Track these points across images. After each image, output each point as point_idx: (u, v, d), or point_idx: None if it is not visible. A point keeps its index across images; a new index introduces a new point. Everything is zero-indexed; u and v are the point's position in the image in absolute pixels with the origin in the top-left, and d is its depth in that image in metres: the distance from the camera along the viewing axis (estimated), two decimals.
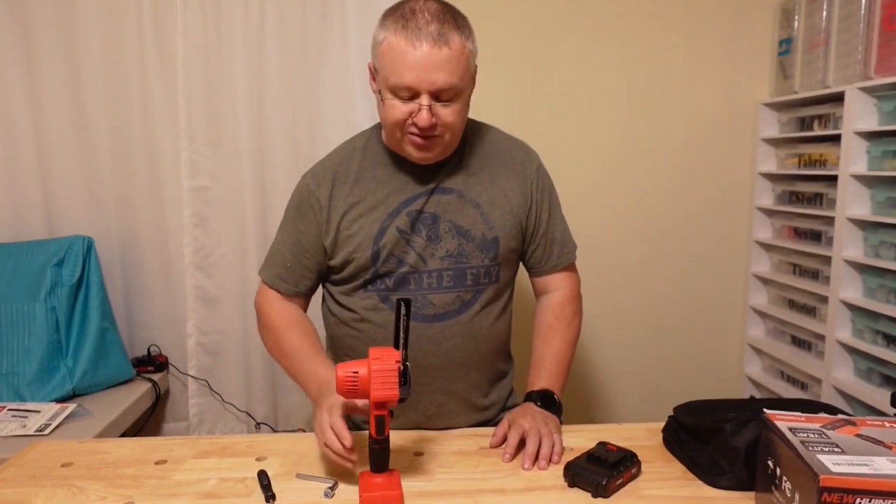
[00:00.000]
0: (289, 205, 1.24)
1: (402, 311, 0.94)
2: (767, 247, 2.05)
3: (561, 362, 1.21)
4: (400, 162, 1.18)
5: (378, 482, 0.94)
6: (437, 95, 1.05)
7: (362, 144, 1.23)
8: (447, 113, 1.07)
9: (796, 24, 1.86)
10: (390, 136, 1.13)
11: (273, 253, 1.25)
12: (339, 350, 1.27)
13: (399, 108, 1.06)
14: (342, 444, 0.93)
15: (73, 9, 1.83)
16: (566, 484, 0.96)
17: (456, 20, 1.07)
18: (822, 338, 1.76)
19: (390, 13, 1.07)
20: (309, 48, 1.88)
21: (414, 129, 1.07)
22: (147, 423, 1.96)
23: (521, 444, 1.05)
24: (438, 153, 1.13)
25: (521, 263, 1.30)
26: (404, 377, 0.92)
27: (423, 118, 1.05)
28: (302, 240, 1.20)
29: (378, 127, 1.23)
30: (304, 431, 1.99)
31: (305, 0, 1.86)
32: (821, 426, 0.84)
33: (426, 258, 1.16)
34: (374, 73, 1.12)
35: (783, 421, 0.86)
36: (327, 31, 1.88)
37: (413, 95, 1.05)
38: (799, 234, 1.91)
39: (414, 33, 1.02)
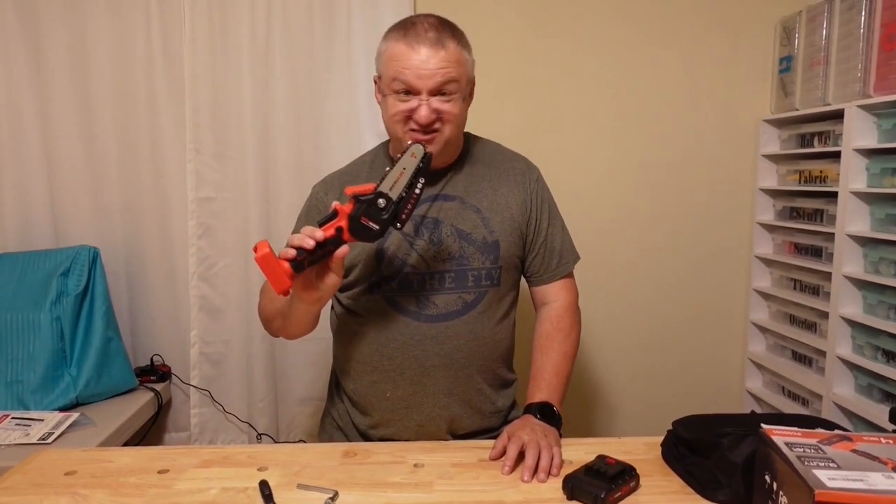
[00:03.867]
0: (299, 214, 1.31)
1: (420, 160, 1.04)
2: (768, 262, 2.06)
3: (560, 374, 1.22)
4: None
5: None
6: (434, 92, 1.12)
7: (370, 158, 1.30)
8: (445, 107, 1.13)
9: (797, 42, 1.88)
10: (393, 135, 1.19)
11: None
12: (347, 353, 1.28)
13: (399, 106, 1.13)
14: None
15: (82, 21, 1.87)
16: (565, 497, 0.97)
17: (453, 32, 1.15)
18: (822, 353, 1.76)
19: (392, 28, 1.16)
20: (315, 62, 1.91)
21: (415, 126, 1.13)
22: (149, 432, 1.97)
23: (521, 456, 1.06)
24: (439, 150, 1.16)
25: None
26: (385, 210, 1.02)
27: (423, 114, 1.11)
28: None
29: (386, 143, 1.28)
30: (305, 442, 2.00)
31: (312, 14, 1.89)
32: (817, 441, 0.85)
33: (428, 260, 1.20)
34: (378, 82, 1.19)
35: (780, 436, 0.86)
36: (333, 46, 1.91)
37: (413, 94, 1.12)
38: (799, 249, 1.92)
39: (413, 38, 1.11)
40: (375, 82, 1.20)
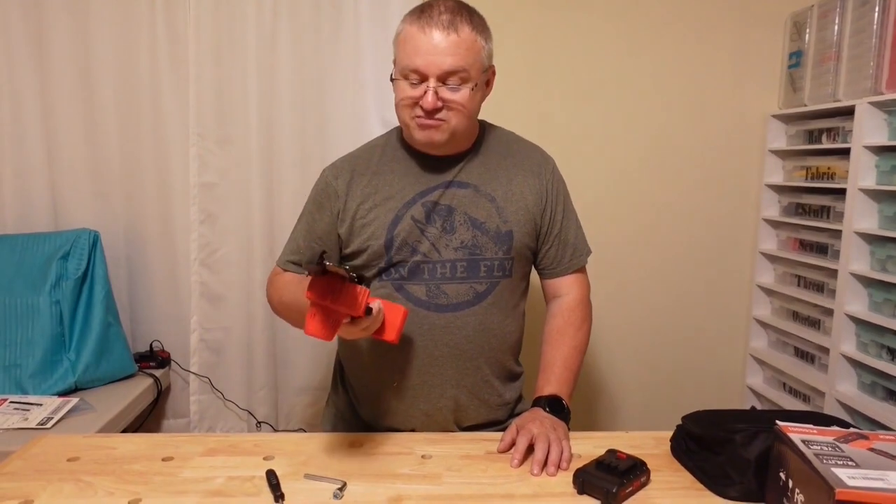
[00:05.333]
0: (308, 198, 1.28)
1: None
2: (772, 258, 2.06)
3: (570, 367, 1.21)
4: (418, 156, 1.21)
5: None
6: (443, 79, 1.09)
7: (382, 142, 1.27)
8: (453, 97, 1.11)
9: (807, 37, 1.87)
10: (400, 120, 1.17)
11: (288, 242, 1.29)
12: (354, 341, 1.25)
13: (407, 91, 1.11)
14: None
15: (86, 3, 1.83)
16: (575, 491, 0.96)
17: (471, 17, 1.12)
18: (825, 350, 1.76)
19: (412, 10, 1.13)
20: (321, 47, 1.88)
21: (419, 112, 1.11)
22: (147, 419, 1.96)
23: (530, 449, 1.05)
24: (443, 139, 1.14)
25: (533, 268, 1.30)
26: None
27: (428, 100, 1.09)
28: (315, 227, 1.24)
29: (399, 128, 1.25)
30: (305, 431, 1.99)
31: (319, 0, 1.86)
32: (834, 439, 0.84)
33: (440, 248, 1.18)
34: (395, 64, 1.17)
35: (796, 433, 0.86)
36: (340, 31, 1.88)
37: (422, 79, 1.09)
38: (804, 246, 1.91)
39: (426, 21, 1.08)
40: (395, 63, 1.18)
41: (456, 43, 1.08)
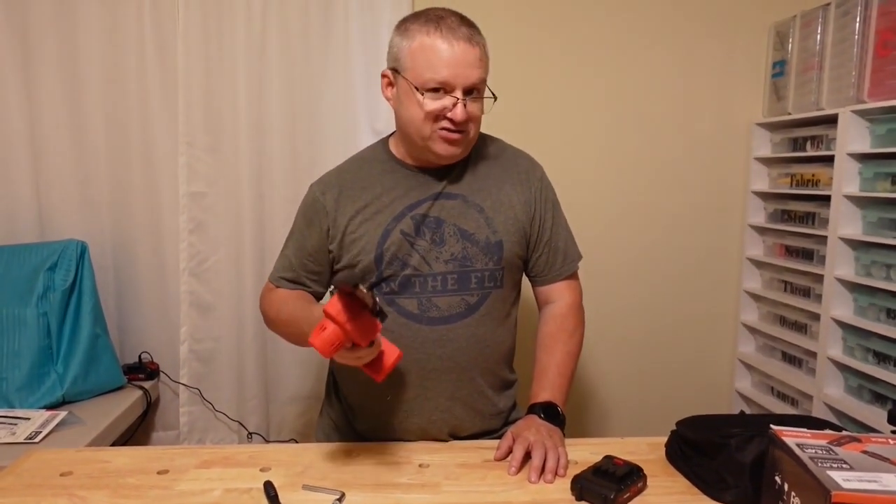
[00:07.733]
0: (297, 214, 1.27)
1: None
2: (759, 264, 2.08)
3: (564, 374, 1.22)
4: (406, 169, 1.21)
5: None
6: (468, 91, 1.10)
7: (370, 155, 1.27)
8: (476, 108, 1.12)
9: (790, 47, 1.90)
10: (417, 133, 1.13)
11: (280, 258, 1.28)
12: None
13: (431, 105, 1.10)
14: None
15: (73, 9, 1.82)
16: (573, 497, 0.96)
17: (477, 28, 1.14)
18: (813, 354, 1.79)
19: (413, 20, 1.12)
20: (311, 55, 1.88)
21: (447, 125, 1.11)
22: (136, 431, 1.93)
23: (527, 456, 1.05)
24: (462, 150, 1.16)
25: (524, 275, 1.31)
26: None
27: (459, 112, 1.09)
28: (306, 244, 1.24)
29: (384, 140, 1.25)
30: (297, 442, 1.97)
31: (308, 7, 1.86)
32: (827, 443, 0.86)
33: (430, 261, 1.18)
34: (392, 79, 1.15)
35: (790, 437, 0.87)
36: (330, 39, 1.88)
37: (446, 91, 1.09)
38: (790, 252, 1.94)
39: (449, 33, 1.08)
40: (385, 76, 1.17)
41: (479, 56, 1.10)
